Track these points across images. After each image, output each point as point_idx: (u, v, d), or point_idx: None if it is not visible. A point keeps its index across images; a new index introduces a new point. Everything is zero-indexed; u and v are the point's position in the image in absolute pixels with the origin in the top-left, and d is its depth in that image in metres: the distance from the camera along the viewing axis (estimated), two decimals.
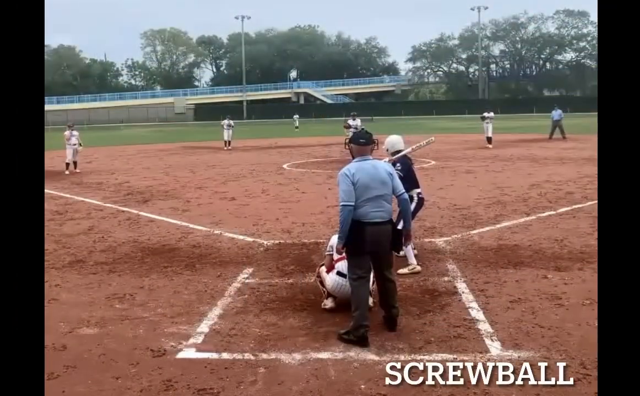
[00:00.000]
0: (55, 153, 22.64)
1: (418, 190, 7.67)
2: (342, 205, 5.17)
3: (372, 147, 5.47)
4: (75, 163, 20.24)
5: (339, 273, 5.80)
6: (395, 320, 5.39)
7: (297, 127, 52.99)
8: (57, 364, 4.75)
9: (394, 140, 7.68)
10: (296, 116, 57.11)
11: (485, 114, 27.94)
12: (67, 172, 19.65)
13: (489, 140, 26.84)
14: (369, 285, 5.40)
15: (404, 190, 5.46)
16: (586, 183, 14.25)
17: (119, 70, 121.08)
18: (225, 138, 30.46)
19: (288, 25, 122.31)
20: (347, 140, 5.64)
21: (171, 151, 29.78)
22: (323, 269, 6.08)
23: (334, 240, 5.64)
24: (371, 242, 5.18)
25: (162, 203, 13.11)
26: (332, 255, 5.84)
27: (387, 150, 7.68)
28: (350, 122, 27.29)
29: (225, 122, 30.72)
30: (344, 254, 5.51)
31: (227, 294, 6.52)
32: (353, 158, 5.44)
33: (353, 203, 5.14)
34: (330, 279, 5.90)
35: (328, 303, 5.94)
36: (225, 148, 29.82)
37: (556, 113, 31.46)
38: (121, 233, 9.99)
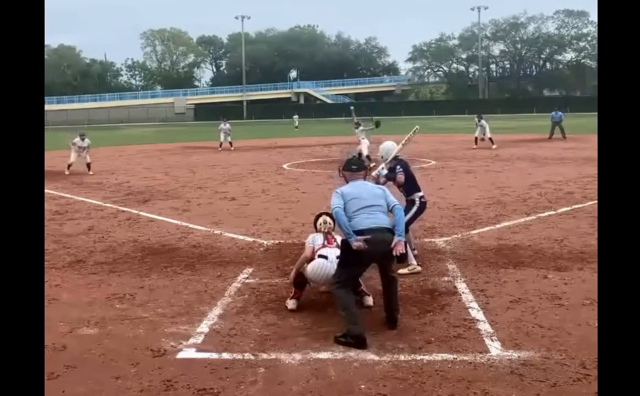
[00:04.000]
0: (56, 154, 22.64)
1: (420, 194, 7.62)
2: (334, 210, 5.42)
3: (363, 173, 5.91)
4: (89, 165, 19.87)
5: (321, 256, 5.89)
6: (396, 317, 5.44)
7: (296, 127, 52.97)
8: (57, 364, 4.75)
9: (389, 147, 7.64)
10: (296, 116, 57.11)
11: (476, 120, 27.77)
12: (67, 172, 19.62)
13: (490, 140, 26.79)
14: (352, 293, 5.52)
15: (397, 202, 5.66)
16: (586, 183, 14.25)
17: (119, 70, 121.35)
18: (222, 140, 30.11)
19: (288, 25, 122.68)
20: (341, 168, 5.95)
21: (171, 151, 29.75)
22: (300, 262, 6.09)
23: (311, 237, 6.12)
24: (368, 249, 5.19)
25: (162, 203, 13.11)
26: (312, 247, 6.00)
27: (382, 157, 7.62)
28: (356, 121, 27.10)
29: (222, 126, 30.35)
30: (326, 243, 5.93)
31: (227, 294, 6.52)
32: (347, 183, 5.78)
33: (342, 205, 5.38)
34: (311, 263, 5.91)
35: (290, 304, 5.97)
36: (220, 148, 29.26)
37: (557, 115, 31.45)
38: (121, 233, 10.00)
